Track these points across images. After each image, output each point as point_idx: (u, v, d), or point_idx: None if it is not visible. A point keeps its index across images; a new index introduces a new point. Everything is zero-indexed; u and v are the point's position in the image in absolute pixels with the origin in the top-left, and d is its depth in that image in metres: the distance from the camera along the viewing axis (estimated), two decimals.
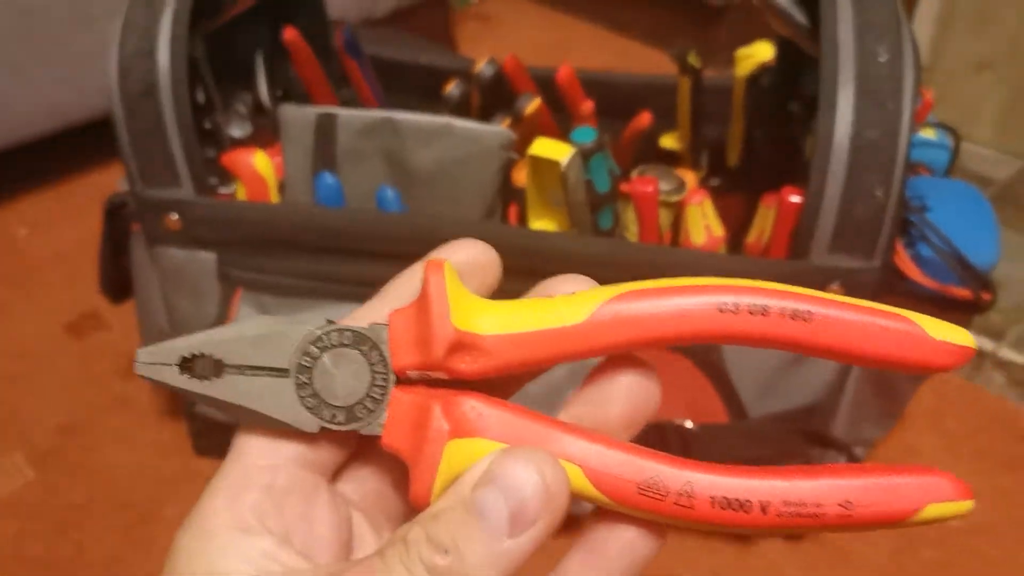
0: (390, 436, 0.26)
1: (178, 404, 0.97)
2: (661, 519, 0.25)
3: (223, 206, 0.73)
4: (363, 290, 0.73)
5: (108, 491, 0.90)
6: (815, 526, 0.24)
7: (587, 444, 0.25)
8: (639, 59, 1.68)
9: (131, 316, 0.86)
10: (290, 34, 0.83)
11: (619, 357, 0.27)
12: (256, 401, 0.26)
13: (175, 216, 0.72)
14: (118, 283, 0.82)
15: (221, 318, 0.75)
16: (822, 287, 0.66)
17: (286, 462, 0.26)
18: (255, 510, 0.25)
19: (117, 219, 0.76)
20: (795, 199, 0.67)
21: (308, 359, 0.26)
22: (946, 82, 1.36)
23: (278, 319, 0.27)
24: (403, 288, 0.28)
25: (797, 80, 0.80)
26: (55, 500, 0.89)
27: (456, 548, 0.23)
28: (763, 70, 0.82)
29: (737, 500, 0.24)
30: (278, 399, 0.26)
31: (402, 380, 0.26)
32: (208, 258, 0.74)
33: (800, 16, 0.71)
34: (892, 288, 0.68)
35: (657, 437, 0.75)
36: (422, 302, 0.26)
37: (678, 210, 0.78)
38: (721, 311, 0.24)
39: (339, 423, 0.26)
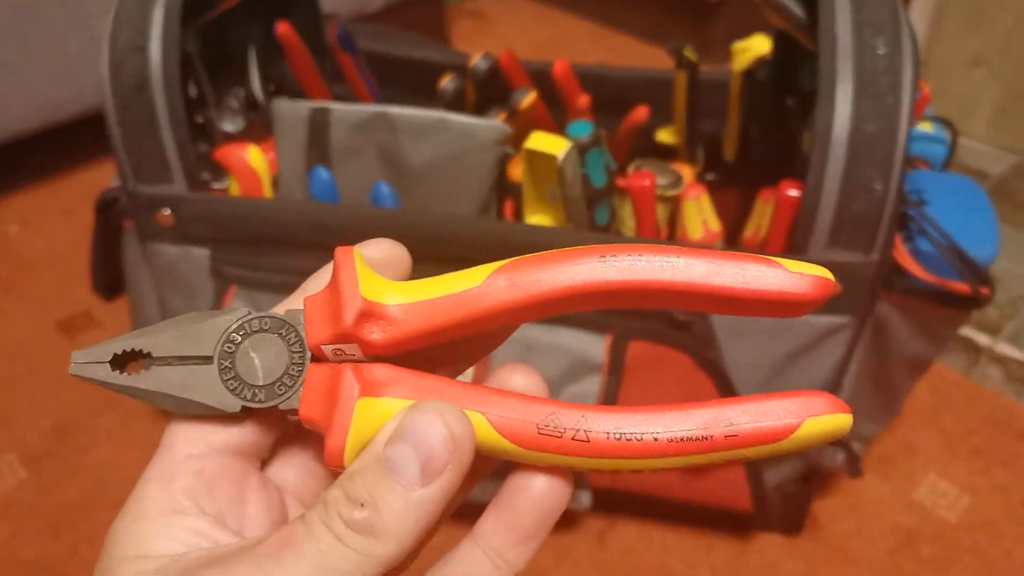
0: (306, 407, 0.27)
1: None
2: (563, 459, 0.26)
3: (216, 201, 0.72)
4: None
5: (102, 491, 0.90)
6: (705, 450, 0.25)
7: (488, 395, 0.27)
8: (634, 56, 1.67)
9: (124, 314, 0.85)
10: (283, 28, 0.83)
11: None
12: (182, 389, 0.27)
13: (167, 212, 0.72)
14: (110, 281, 0.81)
15: None
16: None
17: (214, 450, 0.27)
18: (188, 494, 0.26)
19: (109, 216, 0.76)
20: (793, 193, 0.67)
21: (230, 346, 0.27)
22: (940, 78, 1.36)
23: (204, 312, 0.28)
24: (320, 282, 0.29)
25: (794, 74, 0.80)
26: (49, 501, 0.89)
27: (372, 502, 0.24)
28: (759, 64, 0.82)
29: (631, 432, 0.25)
30: (203, 385, 0.27)
31: (318, 359, 0.28)
32: (201, 255, 0.73)
33: (798, 9, 0.70)
34: (890, 283, 0.68)
35: None
36: (333, 283, 0.27)
37: (675, 205, 0.78)
38: (601, 258, 0.26)
39: (259, 401, 0.27)
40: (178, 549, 0.25)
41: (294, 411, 0.27)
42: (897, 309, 0.69)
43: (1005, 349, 1.01)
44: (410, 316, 0.27)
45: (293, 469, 0.30)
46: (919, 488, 0.90)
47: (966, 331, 1.02)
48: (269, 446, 0.29)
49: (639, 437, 0.26)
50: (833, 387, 0.73)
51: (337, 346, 0.27)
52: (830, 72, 0.62)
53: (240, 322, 0.28)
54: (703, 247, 0.27)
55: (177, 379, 0.27)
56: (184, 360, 0.27)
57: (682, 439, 0.25)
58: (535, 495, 0.27)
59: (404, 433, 0.25)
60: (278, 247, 0.72)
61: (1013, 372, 1.00)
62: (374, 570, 0.24)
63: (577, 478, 0.79)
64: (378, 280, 0.28)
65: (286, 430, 0.30)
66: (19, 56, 1.18)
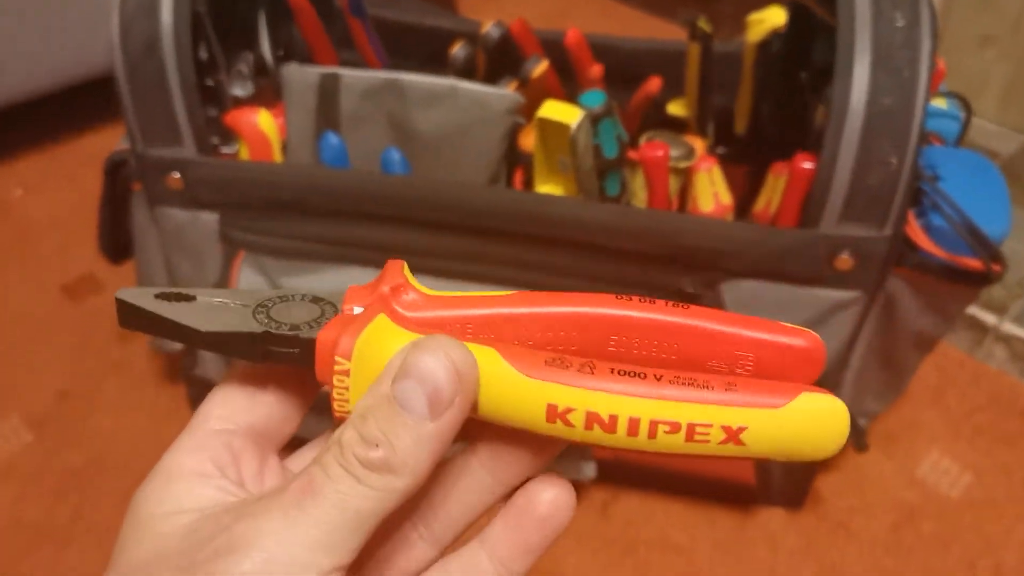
0: (326, 333, 0.28)
1: (176, 369, 0.96)
2: (569, 394, 0.27)
3: (225, 166, 0.72)
4: (367, 253, 0.73)
5: (106, 455, 0.90)
6: (703, 402, 0.26)
7: (498, 335, 0.29)
8: (643, 30, 1.66)
9: (129, 279, 0.85)
10: None
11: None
12: (213, 314, 0.29)
13: (177, 175, 0.71)
14: (118, 244, 0.81)
15: (223, 281, 0.74)
16: (831, 257, 0.66)
17: (242, 428, 0.29)
18: (215, 462, 0.28)
19: (117, 178, 0.75)
20: (808, 165, 0.67)
21: (270, 302, 0.29)
22: (950, 57, 1.35)
23: (245, 289, 0.30)
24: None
25: (808, 48, 0.79)
26: (53, 464, 0.89)
27: (386, 440, 0.25)
28: (774, 36, 0.81)
29: (634, 371, 0.27)
30: (234, 316, 0.29)
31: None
32: (210, 219, 0.73)
33: None
34: (901, 258, 0.67)
35: None
36: (378, 277, 0.30)
37: (686, 177, 0.77)
38: (617, 298, 0.29)
39: (283, 331, 0.28)
40: (208, 504, 0.26)
41: (312, 340, 0.28)
42: (907, 284, 0.69)
43: (1011, 328, 1.01)
44: (440, 303, 0.29)
45: (305, 461, 0.31)
46: (922, 465, 0.90)
47: (972, 310, 1.02)
48: (287, 435, 0.31)
49: (643, 376, 0.27)
50: (841, 362, 0.73)
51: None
52: (848, 44, 0.62)
53: (285, 294, 0.30)
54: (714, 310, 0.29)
55: (211, 311, 0.29)
56: (224, 305, 0.29)
57: (684, 382, 0.27)
58: (541, 514, 0.29)
59: (409, 370, 0.25)
60: (288, 212, 0.71)
61: (1018, 351, 1.00)
62: (394, 503, 0.25)
63: (582, 448, 0.79)
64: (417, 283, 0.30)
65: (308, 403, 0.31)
66: (23, 19, 1.17)
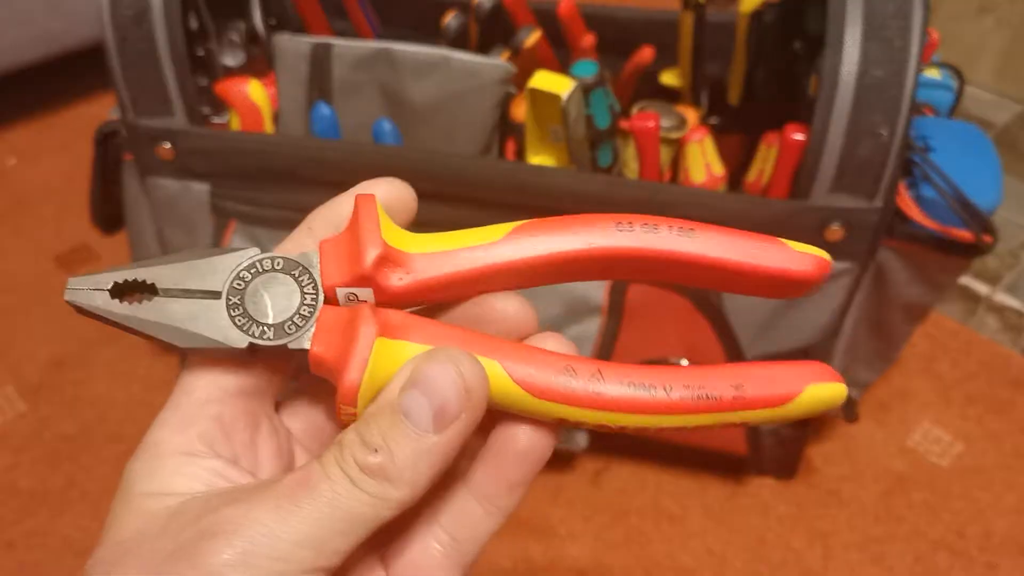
0: (318, 345, 0.27)
1: None
2: (574, 412, 0.26)
3: (216, 136, 0.71)
4: None
5: (100, 424, 0.90)
6: (712, 409, 0.26)
7: (505, 344, 0.27)
8: None
9: (122, 248, 0.85)
10: None
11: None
12: (186, 321, 0.26)
13: (167, 145, 0.71)
14: (110, 214, 0.81)
15: None
16: (822, 228, 0.66)
17: (230, 395, 0.28)
18: (203, 438, 0.27)
19: (108, 148, 0.75)
20: (798, 137, 0.67)
21: (240, 283, 0.27)
22: (947, 25, 1.35)
23: (214, 249, 0.27)
24: (329, 218, 0.29)
25: (801, 18, 0.79)
26: (47, 432, 0.89)
27: (386, 447, 0.25)
28: (767, 5, 0.81)
29: (643, 382, 0.26)
30: (209, 319, 0.26)
31: (330, 303, 0.28)
32: (201, 189, 0.73)
33: None
34: (892, 229, 0.68)
35: None
36: (352, 227, 0.27)
37: (678, 147, 0.77)
38: (618, 227, 0.27)
39: (268, 339, 0.26)
40: (198, 488, 0.26)
41: (304, 351, 0.27)
42: (898, 255, 0.69)
43: (1003, 298, 1.01)
44: (429, 264, 0.27)
45: (298, 419, 0.31)
46: (913, 434, 0.91)
47: (965, 280, 1.03)
48: (280, 387, 0.30)
49: (652, 388, 0.26)
50: (832, 332, 0.74)
51: (351, 290, 0.27)
52: (839, 14, 0.62)
53: (251, 260, 0.27)
54: (708, 225, 0.28)
55: (181, 312, 0.26)
56: (190, 293, 0.27)
57: (692, 398, 0.26)
58: (521, 448, 0.28)
59: (418, 380, 0.25)
60: (279, 182, 0.71)
61: (1010, 321, 1.00)
62: (388, 512, 0.25)
63: None
64: (398, 230, 0.28)
65: (296, 374, 0.30)
66: None
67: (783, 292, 0.28)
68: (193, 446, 0.27)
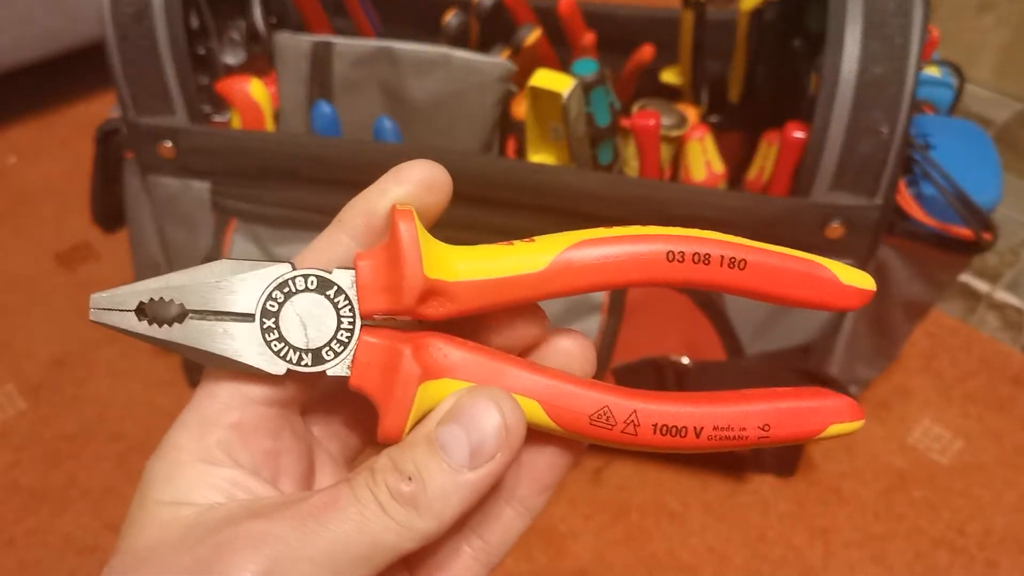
0: (358, 377, 0.26)
1: None
2: (611, 445, 0.27)
3: (217, 134, 0.72)
4: None
5: (101, 423, 0.90)
6: (739, 446, 0.27)
7: (544, 379, 0.27)
8: None
9: (123, 246, 0.85)
10: None
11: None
12: (221, 345, 0.26)
13: (168, 144, 0.71)
14: (110, 212, 0.81)
15: (215, 249, 0.74)
16: (822, 225, 0.66)
17: (254, 402, 0.27)
18: (222, 445, 0.26)
19: (109, 147, 0.75)
20: (799, 135, 0.67)
21: (273, 304, 0.26)
22: (947, 23, 1.35)
23: (240, 263, 0.26)
24: (361, 212, 0.28)
25: (801, 15, 0.79)
26: (48, 431, 0.89)
27: (419, 477, 0.25)
28: (767, 4, 0.81)
29: (675, 427, 0.27)
30: (244, 343, 0.26)
31: (367, 323, 0.27)
32: (202, 188, 0.73)
33: None
34: (892, 226, 0.68)
35: (653, 373, 0.75)
36: (391, 249, 0.26)
37: (679, 145, 0.77)
38: (669, 260, 0.27)
39: (305, 365, 0.26)
40: (217, 498, 0.25)
41: (344, 379, 0.26)
42: (898, 252, 0.69)
43: (1003, 296, 1.01)
44: (471, 294, 0.27)
45: (323, 422, 0.31)
46: (913, 432, 0.91)
47: (965, 278, 1.03)
48: (307, 396, 0.29)
49: (683, 434, 0.27)
50: (833, 330, 0.74)
51: (391, 316, 0.27)
52: (840, 11, 0.62)
53: (283, 278, 0.26)
54: (759, 245, 0.28)
55: (214, 334, 0.26)
56: (221, 316, 0.26)
57: (721, 437, 0.27)
58: (553, 454, 0.29)
59: (458, 415, 0.25)
60: (280, 181, 0.71)
61: (1010, 319, 1.00)
62: (411, 544, 0.25)
63: None
64: (437, 247, 0.27)
65: (327, 388, 0.30)
66: None
67: (820, 308, 0.29)
68: (212, 454, 0.26)
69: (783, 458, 0.85)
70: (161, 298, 0.26)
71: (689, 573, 0.79)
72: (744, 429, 0.27)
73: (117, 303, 0.26)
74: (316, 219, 0.72)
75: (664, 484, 0.86)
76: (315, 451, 0.30)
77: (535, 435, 0.28)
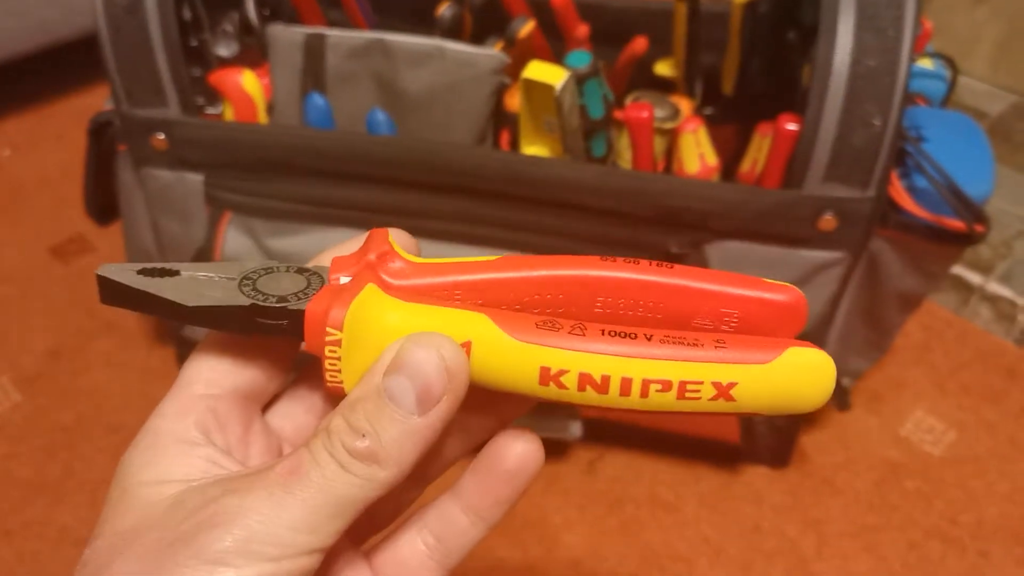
0: (314, 304, 0.28)
1: (166, 329, 0.96)
2: (560, 357, 0.27)
3: (210, 126, 0.72)
4: (353, 214, 0.73)
5: (97, 414, 0.90)
6: (694, 360, 0.26)
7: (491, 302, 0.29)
8: None
9: (118, 239, 0.85)
10: None
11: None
12: (200, 290, 0.28)
13: (161, 136, 0.71)
14: (104, 205, 0.81)
15: (209, 241, 0.74)
16: (815, 217, 0.66)
17: (226, 392, 0.29)
18: (200, 427, 0.28)
19: (102, 139, 0.75)
20: (792, 127, 0.67)
21: (255, 274, 0.29)
22: (942, 15, 1.35)
23: (233, 261, 0.30)
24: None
25: (795, 8, 0.79)
26: (43, 423, 0.90)
27: (373, 431, 0.26)
28: None
29: (624, 331, 0.27)
30: (220, 292, 0.28)
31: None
32: (195, 180, 0.73)
33: None
34: (884, 218, 0.68)
35: None
36: (363, 246, 0.30)
37: (672, 137, 0.77)
38: (603, 258, 0.29)
39: (271, 302, 0.28)
40: (194, 474, 0.27)
41: (301, 311, 0.28)
42: (890, 244, 0.70)
43: (996, 288, 1.01)
44: (426, 270, 0.29)
45: (289, 417, 0.32)
46: (906, 423, 0.91)
47: (958, 270, 1.03)
48: (271, 394, 0.31)
49: (633, 336, 0.27)
50: (825, 322, 0.74)
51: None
52: (832, 4, 0.62)
53: (270, 265, 0.30)
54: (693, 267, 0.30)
55: (197, 287, 0.28)
56: (209, 278, 0.29)
57: (676, 337, 0.27)
58: (510, 467, 0.30)
59: (401, 365, 0.26)
60: (273, 173, 0.71)
61: (1003, 311, 1.01)
62: (376, 492, 0.26)
63: (569, 408, 0.79)
64: (404, 252, 0.30)
65: (292, 366, 0.32)
66: None
67: (767, 325, 0.29)
68: (190, 434, 0.28)
69: (776, 449, 0.85)
70: (162, 268, 0.29)
71: (683, 564, 0.79)
72: (698, 339, 0.27)
73: (124, 267, 0.29)
74: (310, 211, 0.72)
75: (658, 476, 0.86)
76: (284, 445, 0.32)
77: (492, 444, 0.30)
